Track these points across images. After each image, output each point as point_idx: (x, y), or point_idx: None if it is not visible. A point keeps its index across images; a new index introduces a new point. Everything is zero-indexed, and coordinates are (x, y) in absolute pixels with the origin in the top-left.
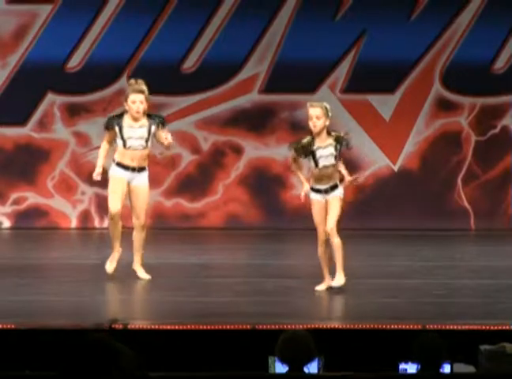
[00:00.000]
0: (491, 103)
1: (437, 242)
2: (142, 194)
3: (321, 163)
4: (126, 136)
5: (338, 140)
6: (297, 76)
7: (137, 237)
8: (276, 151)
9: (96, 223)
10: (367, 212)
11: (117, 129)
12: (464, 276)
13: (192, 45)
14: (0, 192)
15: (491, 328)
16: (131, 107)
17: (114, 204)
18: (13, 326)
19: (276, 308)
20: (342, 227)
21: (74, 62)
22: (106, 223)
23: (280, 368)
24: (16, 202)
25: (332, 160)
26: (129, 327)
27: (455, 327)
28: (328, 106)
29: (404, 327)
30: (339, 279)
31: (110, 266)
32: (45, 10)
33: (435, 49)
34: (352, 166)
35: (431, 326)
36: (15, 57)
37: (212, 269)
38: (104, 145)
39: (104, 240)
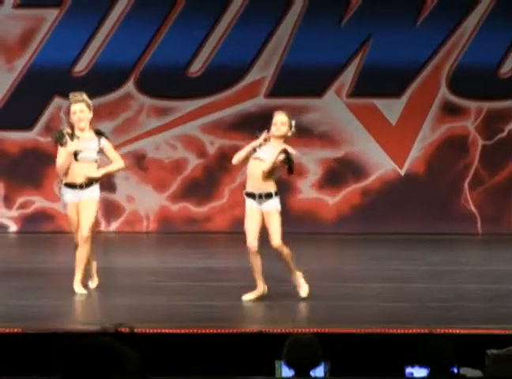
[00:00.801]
0: (498, 107)
1: (443, 246)
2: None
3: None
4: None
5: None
6: (303, 80)
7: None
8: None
9: (103, 226)
10: (372, 215)
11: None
12: (470, 281)
13: (198, 49)
14: (7, 196)
15: (498, 332)
16: (73, 119)
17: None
18: (19, 330)
19: (283, 312)
20: (349, 230)
21: (81, 67)
22: (112, 227)
23: (287, 372)
24: (22, 206)
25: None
26: (135, 331)
27: (461, 331)
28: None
29: (409, 331)
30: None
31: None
32: (52, 15)
33: (441, 53)
34: (359, 170)
35: (438, 330)
36: (22, 61)
37: (218, 273)
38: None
39: (110, 244)
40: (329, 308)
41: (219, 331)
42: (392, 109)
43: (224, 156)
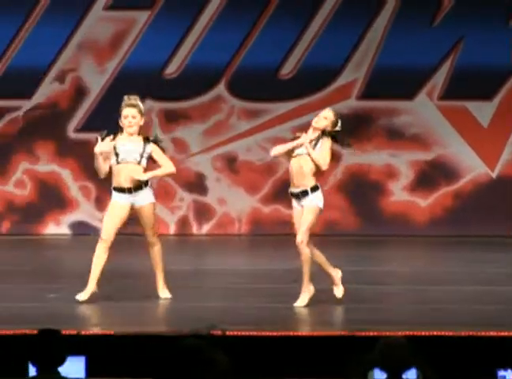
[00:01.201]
0: None
1: None
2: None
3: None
4: (118, 149)
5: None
6: (395, 82)
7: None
8: (374, 157)
9: (194, 229)
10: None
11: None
12: None
13: (289, 51)
14: (99, 198)
15: None
16: (123, 122)
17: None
18: (112, 332)
19: (373, 314)
20: (440, 233)
21: (172, 69)
22: (204, 230)
23: (379, 375)
24: None
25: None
26: (227, 333)
27: None
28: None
29: (502, 334)
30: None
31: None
32: (143, 16)
33: None
34: (450, 173)
35: None
36: (113, 63)
37: None
38: None
39: (202, 246)
40: (419, 310)
41: (310, 333)
42: (483, 112)
43: None
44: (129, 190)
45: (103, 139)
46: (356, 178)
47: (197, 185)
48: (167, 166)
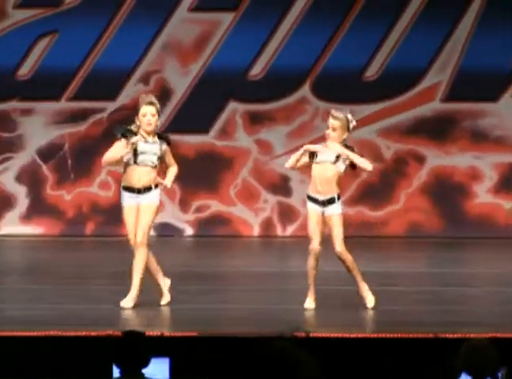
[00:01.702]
0: None
1: None
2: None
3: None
4: (139, 150)
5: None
6: (479, 84)
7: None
8: (458, 159)
9: (279, 231)
10: None
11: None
12: None
13: (374, 53)
14: (183, 200)
15: None
16: (142, 120)
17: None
18: (195, 334)
19: (458, 317)
20: None
21: (256, 70)
22: (288, 231)
23: (463, 378)
24: (198, 210)
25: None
26: (311, 335)
27: None
28: (350, 118)
29: None
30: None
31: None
32: (227, 18)
33: None
34: None
35: None
36: (197, 65)
37: (392, 278)
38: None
39: (287, 248)
40: (504, 312)
41: (391, 335)
42: None
43: (401, 161)
44: (139, 191)
45: (125, 133)
46: (440, 180)
47: (281, 186)
48: (175, 167)
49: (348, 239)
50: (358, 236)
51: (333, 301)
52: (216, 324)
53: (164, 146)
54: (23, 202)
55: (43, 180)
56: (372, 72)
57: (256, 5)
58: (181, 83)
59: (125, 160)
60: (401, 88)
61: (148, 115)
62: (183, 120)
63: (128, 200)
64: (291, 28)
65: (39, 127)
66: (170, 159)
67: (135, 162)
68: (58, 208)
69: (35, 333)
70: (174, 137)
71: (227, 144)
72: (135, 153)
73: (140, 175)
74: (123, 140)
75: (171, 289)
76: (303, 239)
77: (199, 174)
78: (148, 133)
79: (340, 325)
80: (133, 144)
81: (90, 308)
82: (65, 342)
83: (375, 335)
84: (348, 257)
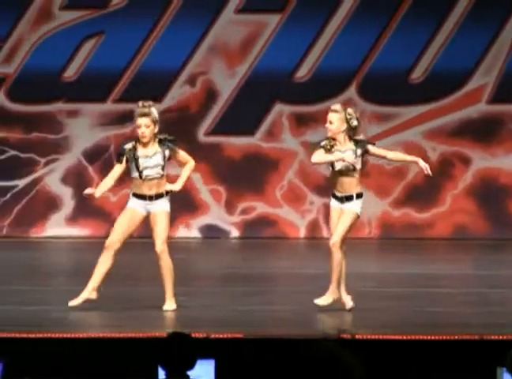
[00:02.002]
0: None
1: None
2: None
3: (337, 167)
4: (141, 167)
5: (357, 145)
6: None
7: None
8: (504, 161)
9: (325, 233)
10: None
11: (132, 162)
12: None
13: (420, 55)
14: (229, 201)
15: None
16: (137, 132)
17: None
18: (241, 335)
19: (503, 318)
20: None
21: (302, 72)
22: None
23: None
24: (244, 212)
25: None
26: (356, 337)
27: None
28: (350, 112)
29: None
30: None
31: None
32: (274, 20)
33: None
34: None
35: None
36: (243, 67)
37: (437, 279)
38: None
39: None
40: None
41: (438, 337)
42: None
43: (447, 163)
44: (151, 198)
45: (120, 159)
46: (486, 182)
47: (327, 188)
48: (189, 163)
49: (393, 241)
50: (404, 238)
51: (378, 302)
52: (261, 326)
53: (168, 152)
54: (68, 204)
55: (89, 181)
56: (418, 74)
57: (302, 7)
58: (227, 85)
59: (132, 176)
60: (447, 89)
61: (142, 127)
62: (229, 122)
63: (136, 204)
64: (337, 30)
65: (84, 129)
66: (181, 158)
67: (141, 177)
68: (104, 209)
69: (81, 335)
70: (220, 139)
71: (274, 145)
72: (137, 168)
73: (150, 186)
74: (121, 162)
75: (216, 290)
76: (348, 241)
77: (245, 175)
78: (145, 145)
79: (382, 326)
80: (127, 159)
81: (135, 310)
82: (111, 344)
83: (420, 337)
84: (336, 256)
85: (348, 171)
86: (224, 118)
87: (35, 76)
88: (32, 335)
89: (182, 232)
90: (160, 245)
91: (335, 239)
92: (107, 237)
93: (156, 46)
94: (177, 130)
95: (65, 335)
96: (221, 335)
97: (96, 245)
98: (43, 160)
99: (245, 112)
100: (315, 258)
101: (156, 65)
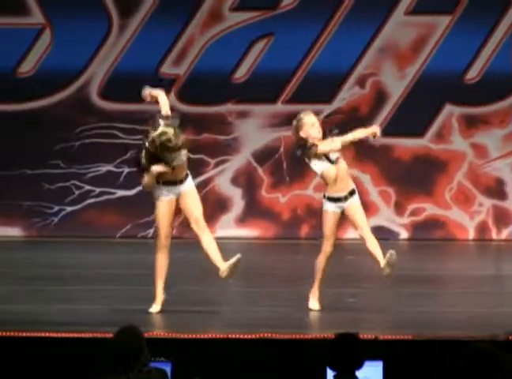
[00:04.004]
0: None
1: None
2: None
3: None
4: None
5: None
6: None
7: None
8: None
9: (494, 234)
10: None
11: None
12: None
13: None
14: (399, 203)
15: None
16: None
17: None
18: (410, 337)
19: None
20: None
21: (473, 74)
22: (504, 235)
23: None
24: (414, 213)
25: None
26: None
27: None
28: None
29: None
30: None
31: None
32: (444, 21)
33: None
34: None
35: None
36: (413, 68)
37: None
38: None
39: (502, 252)
40: None
41: None
42: None
43: None
44: (181, 181)
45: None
46: None
47: (496, 190)
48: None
49: None
50: None
51: None
52: (430, 327)
53: (182, 136)
54: (238, 205)
55: (259, 183)
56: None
57: (473, 8)
58: (397, 86)
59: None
60: (499, 92)
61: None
62: (399, 123)
63: (166, 194)
64: (507, 31)
65: (254, 130)
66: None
67: (171, 167)
68: (273, 210)
69: (253, 336)
70: (390, 140)
71: (443, 147)
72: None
73: (176, 171)
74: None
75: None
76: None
77: (414, 177)
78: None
79: None
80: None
81: (296, 310)
82: (276, 344)
83: None
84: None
85: (342, 169)
86: (393, 120)
87: (206, 77)
88: (197, 337)
89: (350, 233)
90: (201, 221)
91: (367, 230)
92: (276, 238)
93: (326, 47)
94: (347, 132)
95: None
96: (390, 337)
97: (265, 246)
98: (213, 161)
99: (414, 114)
100: (484, 260)
101: (326, 67)
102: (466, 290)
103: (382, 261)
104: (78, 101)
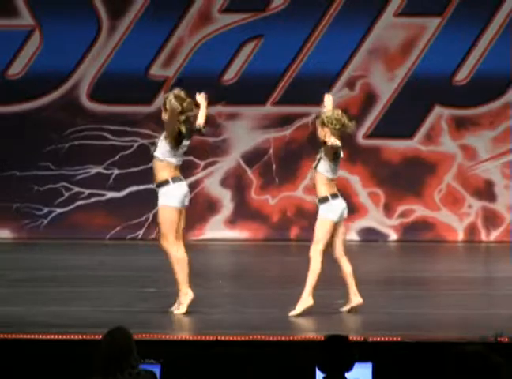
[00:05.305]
0: None
1: None
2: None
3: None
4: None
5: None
6: None
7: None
8: None
9: (483, 236)
10: None
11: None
12: None
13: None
14: (388, 204)
15: None
16: None
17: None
18: (399, 339)
19: None
20: None
21: (461, 75)
22: (493, 236)
23: None
24: (403, 215)
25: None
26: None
27: None
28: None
29: None
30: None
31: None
32: (433, 23)
33: None
34: None
35: None
36: (403, 70)
37: None
38: None
39: (491, 254)
40: None
41: None
42: None
43: None
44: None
45: None
46: None
47: (485, 191)
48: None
49: None
50: None
51: None
52: (419, 329)
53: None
54: (228, 206)
55: (248, 184)
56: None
57: (462, 10)
58: (386, 88)
59: (178, 164)
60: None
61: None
62: (388, 125)
63: (183, 199)
64: (497, 33)
65: (244, 132)
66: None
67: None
68: (263, 212)
69: (243, 337)
70: (379, 142)
71: (432, 149)
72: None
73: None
74: None
75: (374, 293)
76: (507, 244)
77: (404, 178)
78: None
79: None
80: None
81: (286, 312)
82: (265, 346)
83: None
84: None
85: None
86: (383, 122)
87: (195, 79)
88: (187, 338)
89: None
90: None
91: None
92: (266, 240)
93: (315, 49)
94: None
95: (230, 338)
96: (379, 339)
97: (254, 248)
98: (202, 163)
99: (404, 115)
100: (473, 262)
101: (315, 69)
102: (455, 292)
103: None
104: (68, 103)
